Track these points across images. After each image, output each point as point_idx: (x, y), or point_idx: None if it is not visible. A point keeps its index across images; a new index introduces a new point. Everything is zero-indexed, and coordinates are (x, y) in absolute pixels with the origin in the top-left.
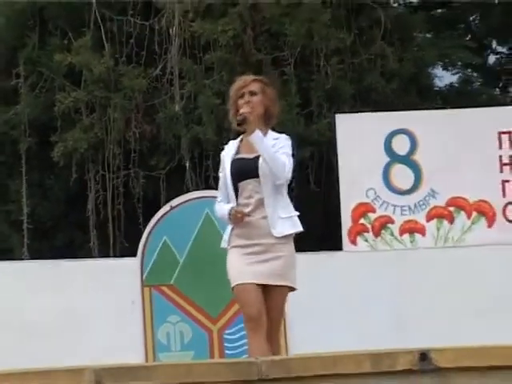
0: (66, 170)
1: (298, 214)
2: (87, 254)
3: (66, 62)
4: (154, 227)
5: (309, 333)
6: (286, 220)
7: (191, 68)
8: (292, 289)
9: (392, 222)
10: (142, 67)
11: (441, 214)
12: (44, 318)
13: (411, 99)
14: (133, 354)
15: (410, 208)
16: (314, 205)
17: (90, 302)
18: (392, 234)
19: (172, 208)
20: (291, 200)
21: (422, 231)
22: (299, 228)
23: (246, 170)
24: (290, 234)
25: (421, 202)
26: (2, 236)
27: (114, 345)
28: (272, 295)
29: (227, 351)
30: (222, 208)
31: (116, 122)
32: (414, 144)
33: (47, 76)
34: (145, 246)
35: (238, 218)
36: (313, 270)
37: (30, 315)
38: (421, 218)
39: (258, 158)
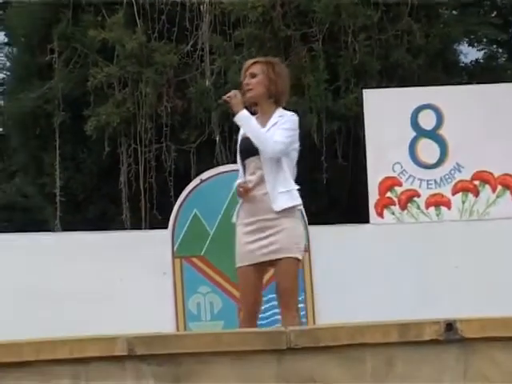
0: (98, 143)
1: (297, 187)
2: (119, 227)
3: (100, 38)
4: (184, 200)
5: (336, 304)
6: (285, 194)
7: (221, 44)
8: (297, 259)
9: (418, 195)
10: (173, 43)
11: (466, 188)
12: (76, 288)
13: (437, 75)
14: (164, 324)
15: (435, 182)
16: (341, 178)
17: (123, 273)
18: (418, 207)
19: (202, 181)
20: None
21: (448, 204)
22: (298, 201)
23: (249, 147)
24: (291, 207)
25: (446, 176)
26: (36, 208)
27: (145, 314)
28: (277, 268)
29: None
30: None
31: (148, 96)
32: (439, 119)
33: (81, 51)
34: (176, 218)
35: (241, 193)
36: (340, 241)
37: (62, 286)
38: (446, 191)
39: None
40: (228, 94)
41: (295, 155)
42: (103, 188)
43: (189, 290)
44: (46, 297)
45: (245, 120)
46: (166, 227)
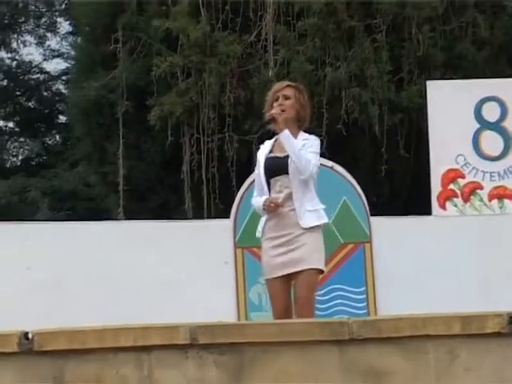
0: (161, 133)
1: (323, 207)
2: (181, 216)
3: (164, 28)
4: (246, 190)
5: (397, 296)
6: (313, 212)
7: (285, 34)
8: (320, 271)
9: (481, 187)
10: (236, 33)
11: None
12: (139, 277)
13: (501, 68)
14: (225, 313)
15: (499, 174)
16: (403, 170)
17: (185, 261)
18: (481, 200)
19: None
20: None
21: (511, 197)
22: (324, 220)
23: (276, 167)
24: (316, 226)
25: (510, 169)
26: (99, 196)
27: (206, 303)
28: (298, 278)
29: (317, 312)
30: (258, 201)
31: (211, 86)
32: (504, 111)
33: (145, 41)
34: (238, 208)
35: (271, 208)
36: (402, 233)
37: (125, 274)
38: (510, 184)
39: (288, 156)
40: (274, 111)
41: (316, 176)
42: (166, 177)
43: (250, 280)
44: (108, 285)
45: (290, 138)
46: (227, 217)
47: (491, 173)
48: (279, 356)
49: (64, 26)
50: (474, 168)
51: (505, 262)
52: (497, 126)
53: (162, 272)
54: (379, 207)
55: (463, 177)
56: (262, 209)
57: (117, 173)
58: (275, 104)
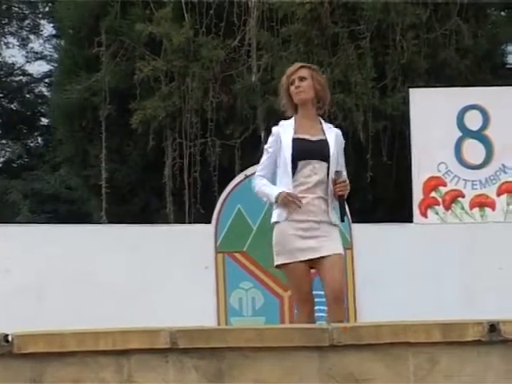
0: (144, 137)
1: None
2: (163, 220)
3: (147, 32)
4: (228, 195)
5: (378, 303)
6: (337, 213)
7: (268, 40)
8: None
9: (462, 195)
10: (220, 38)
11: (511, 189)
12: (120, 280)
13: (484, 76)
14: (205, 318)
15: (480, 182)
16: (386, 177)
17: (165, 266)
18: (462, 208)
19: (247, 177)
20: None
21: (492, 205)
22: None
23: (308, 150)
24: (338, 225)
25: (491, 177)
26: (81, 200)
27: (187, 308)
28: (329, 262)
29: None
30: (267, 187)
31: (194, 91)
32: (486, 119)
33: (128, 45)
34: (219, 213)
35: (289, 201)
36: (383, 240)
37: (106, 278)
38: (491, 192)
39: (321, 141)
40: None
41: None
42: (148, 181)
43: (231, 285)
44: (88, 289)
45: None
46: (208, 222)
47: (473, 181)
48: (259, 361)
49: (47, 28)
50: (455, 176)
51: (485, 269)
52: (479, 135)
53: (142, 276)
54: (363, 214)
55: (445, 185)
56: (272, 201)
57: (99, 176)
58: (292, 88)
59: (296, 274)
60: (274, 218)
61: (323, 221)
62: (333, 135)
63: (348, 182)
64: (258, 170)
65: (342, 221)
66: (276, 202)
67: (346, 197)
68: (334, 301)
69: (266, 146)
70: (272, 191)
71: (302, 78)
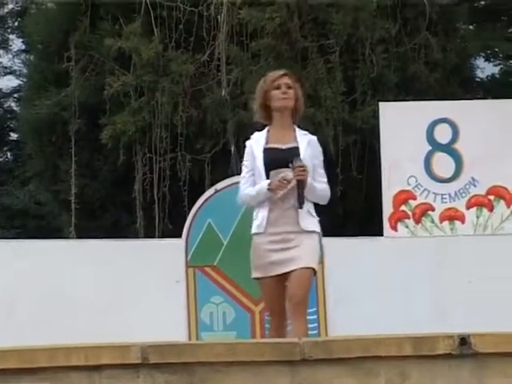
0: (113, 151)
1: (318, 218)
2: (133, 235)
3: (116, 47)
4: (198, 209)
5: (349, 317)
6: (312, 218)
7: (238, 54)
8: (313, 271)
9: (432, 209)
10: (190, 53)
11: (481, 203)
12: (90, 296)
13: (453, 89)
14: (176, 333)
15: (450, 196)
16: (356, 191)
17: (135, 281)
18: (432, 221)
19: (217, 191)
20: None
21: (462, 219)
22: (319, 229)
23: (278, 159)
24: (315, 231)
25: (461, 191)
26: (51, 215)
27: (158, 322)
28: (292, 276)
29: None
30: (254, 189)
31: (163, 106)
32: (455, 133)
33: (97, 60)
34: (190, 227)
35: (283, 184)
36: (354, 254)
37: (76, 293)
38: (461, 205)
39: (292, 148)
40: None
41: None
42: (118, 196)
43: (201, 300)
44: (59, 304)
45: (312, 187)
46: (179, 236)
47: (442, 195)
48: (230, 376)
49: (16, 43)
50: (425, 189)
51: (455, 283)
52: (448, 148)
53: (112, 290)
54: (333, 228)
55: (415, 198)
56: (264, 192)
57: (69, 191)
58: (277, 92)
59: (267, 289)
60: (253, 229)
61: (296, 231)
62: (305, 142)
63: (307, 167)
64: (241, 184)
65: (300, 207)
66: (269, 189)
67: (305, 183)
68: (293, 314)
69: (243, 162)
70: (261, 184)
71: (289, 86)
